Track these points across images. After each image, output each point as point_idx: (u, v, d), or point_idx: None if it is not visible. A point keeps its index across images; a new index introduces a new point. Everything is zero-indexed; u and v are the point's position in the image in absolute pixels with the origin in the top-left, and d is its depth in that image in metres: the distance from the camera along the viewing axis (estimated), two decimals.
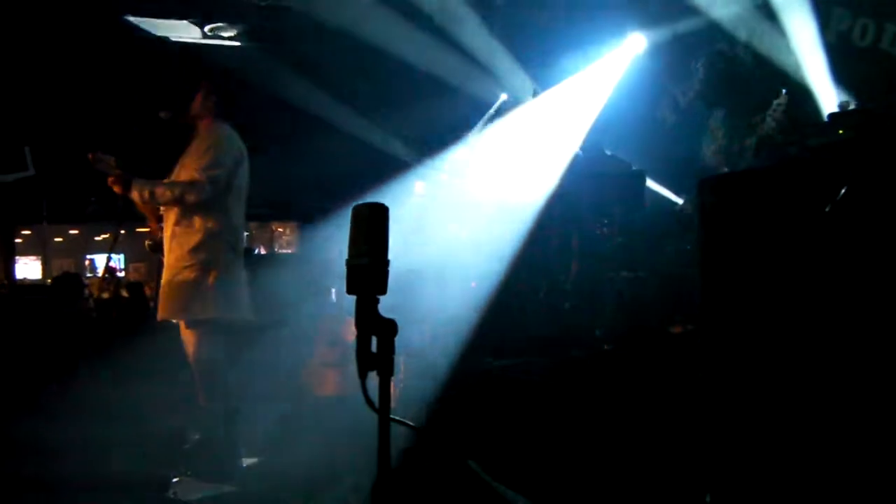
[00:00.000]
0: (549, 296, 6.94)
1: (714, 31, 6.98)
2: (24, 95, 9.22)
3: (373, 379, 2.13)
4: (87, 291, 10.02)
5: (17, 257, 17.01)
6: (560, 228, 6.99)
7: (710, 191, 4.71)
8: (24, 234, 17.72)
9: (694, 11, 7.10)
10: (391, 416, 2.13)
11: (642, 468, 4.04)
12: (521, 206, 7.08)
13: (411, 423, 2.25)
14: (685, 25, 7.31)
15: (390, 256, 2.15)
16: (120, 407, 5.69)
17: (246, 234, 5.94)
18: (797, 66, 6.31)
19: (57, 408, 5.80)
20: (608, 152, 7.27)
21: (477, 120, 9.07)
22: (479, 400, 5.31)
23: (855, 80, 6.15)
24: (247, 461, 4.88)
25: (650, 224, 6.80)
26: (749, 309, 4.19)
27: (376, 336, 2.13)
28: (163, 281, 4.87)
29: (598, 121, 7.68)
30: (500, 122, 8.76)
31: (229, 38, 9.23)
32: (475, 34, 8.35)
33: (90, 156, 4.70)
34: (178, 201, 4.71)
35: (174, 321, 4.85)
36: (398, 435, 2.16)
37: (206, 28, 9.03)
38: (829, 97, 6.08)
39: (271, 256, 13.69)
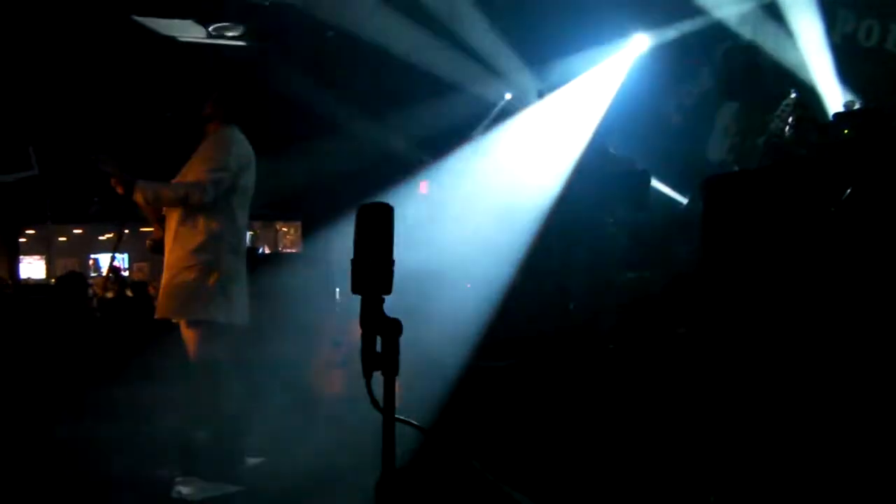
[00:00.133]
0: (554, 296, 6.93)
1: (719, 32, 6.99)
2: (29, 95, 9.22)
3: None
4: (90, 291, 10.03)
5: (21, 257, 17.03)
6: (565, 228, 6.98)
7: (713, 190, 4.71)
8: (28, 234, 17.74)
9: (699, 12, 7.10)
10: (396, 415, 2.13)
11: (647, 469, 4.03)
12: (527, 206, 7.07)
13: (416, 423, 2.24)
14: (690, 26, 7.31)
15: (395, 256, 2.15)
16: (123, 406, 5.70)
17: (250, 233, 5.95)
18: (803, 66, 6.30)
19: (60, 407, 5.80)
20: (613, 152, 7.26)
21: (482, 120, 9.07)
22: (484, 400, 5.31)
23: (860, 80, 6.15)
24: (251, 461, 4.88)
25: (655, 224, 6.79)
26: (751, 307, 4.19)
27: (381, 336, 2.13)
28: (163, 280, 4.87)
29: (603, 121, 7.67)
30: (505, 123, 8.75)
31: (234, 38, 9.23)
32: (480, 35, 8.34)
33: (92, 157, 4.69)
34: (181, 203, 4.71)
35: (175, 321, 4.85)
36: (403, 434, 2.16)
37: (211, 28, 9.03)
38: (834, 97, 6.08)
39: (275, 256, 13.70)
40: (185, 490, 4.44)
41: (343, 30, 8.82)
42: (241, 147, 4.89)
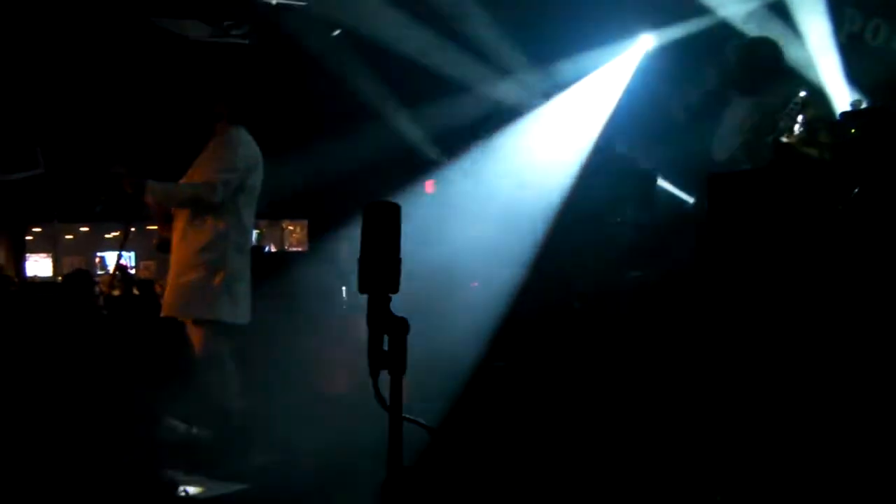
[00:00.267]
0: (560, 295, 6.93)
1: (725, 31, 6.97)
2: (35, 95, 9.24)
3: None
4: (97, 289, 10.05)
5: (27, 255, 17.05)
6: (571, 227, 6.98)
7: (717, 187, 4.71)
8: (35, 232, 17.76)
9: (705, 11, 7.09)
10: (403, 414, 2.13)
11: (654, 469, 4.03)
12: (533, 206, 7.08)
13: (422, 422, 2.24)
14: (696, 25, 7.30)
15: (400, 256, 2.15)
16: (128, 404, 5.70)
17: (256, 232, 5.96)
18: (810, 66, 6.29)
19: (64, 406, 5.81)
20: (619, 151, 7.26)
21: (488, 120, 9.06)
22: (491, 399, 5.31)
23: (867, 79, 6.13)
24: (257, 459, 4.88)
25: (661, 223, 6.79)
26: (751, 307, 4.19)
27: (388, 335, 2.13)
28: (169, 279, 4.90)
29: (609, 121, 7.67)
30: (511, 123, 8.74)
31: (240, 37, 9.23)
32: (487, 34, 8.34)
33: (105, 166, 4.70)
34: (191, 203, 4.74)
35: (180, 319, 4.87)
36: (411, 433, 2.16)
37: (216, 26, 9.03)
38: (841, 96, 6.06)
39: (282, 255, 13.71)
40: (190, 488, 4.45)
41: (349, 28, 8.83)
42: (249, 148, 4.92)
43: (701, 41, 7.34)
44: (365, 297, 2.14)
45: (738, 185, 4.70)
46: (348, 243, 7.86)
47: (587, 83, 8.12)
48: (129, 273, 13.56)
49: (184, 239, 4.83)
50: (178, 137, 5.08)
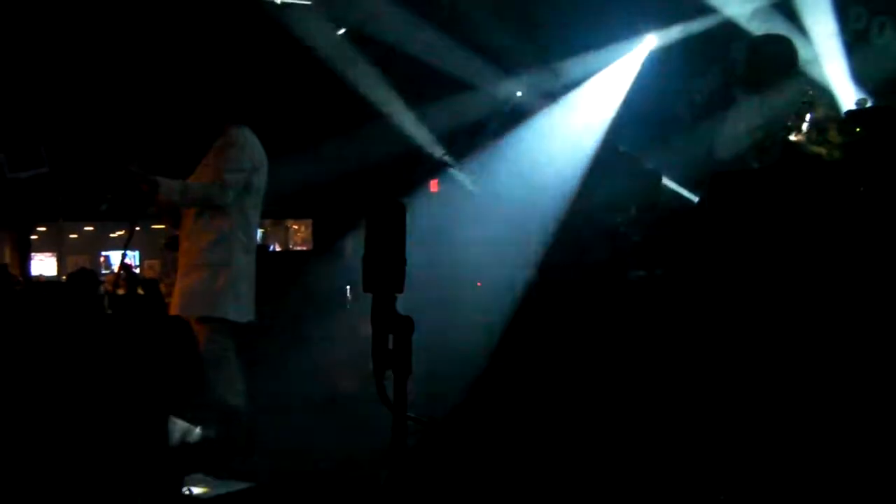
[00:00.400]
0: (563, 294, 6.92)
1: (729, 30, 6.96)
2: (40, 93, 9.25)
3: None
4: (102, 288, 10.06)
5: (32, 254, 17.07)
6: (576, 227, 6.97)
7: (720, 186, 4.70)
8: (40, 231, 17.80)
9: (709, 10, 7.08)
10: (407, 413, 2.13)
11: (657, 469, 4.03)
12: (538, 205, 7.07)
13: (426, 420, 2.24)
14: (700, 24, 7.30)
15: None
16: (132, 403, 5.70)
17: (260, 231, 5.97)
18: (815, 64, 6.27)
19: (68, 405, 5.82)
20: (623, 150, 7.24)
21: (492, 119, 9.05)
22: (492, 399, 5.31)
23: (873, 77, 6.11)
24: (261, 458, 4.89)
25: (666, 222, 6.77)
26: (754, 305, 4.18)
27: (393, 334, 2.13)
28: (177, 277, 4.93)
29: (613, 120, 7.66)
30: (516, 122, 8.74)
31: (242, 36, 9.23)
32: (491, 33, 8.34)
33: (124, 166, 4.68)
34: (202, 203, 4.76)
35: (185, 317, 4.88)
36: (414, 432, 2.16)
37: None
38: (847, 95, 6.05)
39: (286, 254, 13.71)
40: (195, 487, 4.45)
41: (354, 27, 8.83)
42: (254, 148, 4.94)
43: (705, 40, 7.34)
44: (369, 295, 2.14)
45: (743, 183, 4.68)
46: (353, 242, 7.87)
47: (593, 83, 8.12)
48: (133, 272, 13.59)
49: (190, 238, 4.85)
50: (182, 137, 5.08)
